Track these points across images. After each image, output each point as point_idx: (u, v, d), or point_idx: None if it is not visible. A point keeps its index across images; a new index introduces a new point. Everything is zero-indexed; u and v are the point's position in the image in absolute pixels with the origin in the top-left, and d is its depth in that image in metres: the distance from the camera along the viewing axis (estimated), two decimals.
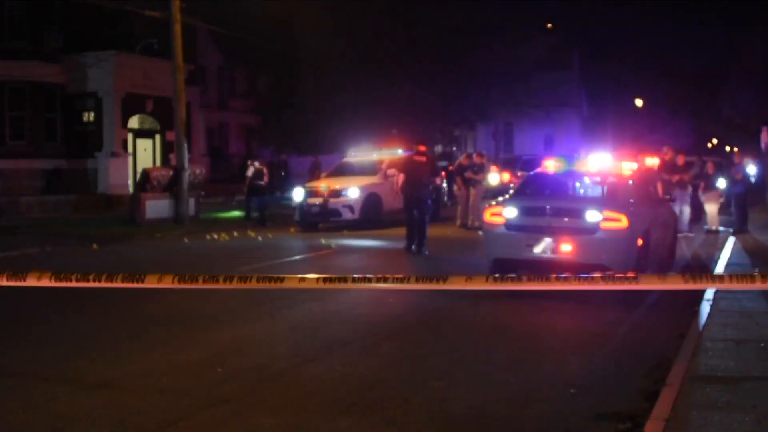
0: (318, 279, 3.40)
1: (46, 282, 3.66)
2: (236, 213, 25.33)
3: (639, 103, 62.51)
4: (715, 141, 71.93)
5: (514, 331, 8.51)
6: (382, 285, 3.29)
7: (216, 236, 19.27)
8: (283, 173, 29.67)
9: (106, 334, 8.41)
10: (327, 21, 31.24)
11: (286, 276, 3.48)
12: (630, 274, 3.10)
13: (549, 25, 51.12)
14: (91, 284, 3.60)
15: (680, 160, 18.94)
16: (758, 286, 2.90)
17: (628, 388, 6.31)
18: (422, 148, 16.16)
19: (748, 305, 9.03)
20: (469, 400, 6.03)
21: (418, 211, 15.41)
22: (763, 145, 24.89)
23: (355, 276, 3.37)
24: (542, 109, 53.72)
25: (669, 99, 60.84)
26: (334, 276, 3.41)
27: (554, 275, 3.18)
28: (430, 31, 33.84)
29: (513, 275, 3.23)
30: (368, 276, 3.33)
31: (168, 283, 3.53)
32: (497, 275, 3.17)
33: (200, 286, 3.52)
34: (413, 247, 15.39)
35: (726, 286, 3.04)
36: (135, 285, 3.62)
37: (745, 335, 7.52)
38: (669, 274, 11.86)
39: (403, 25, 32.62)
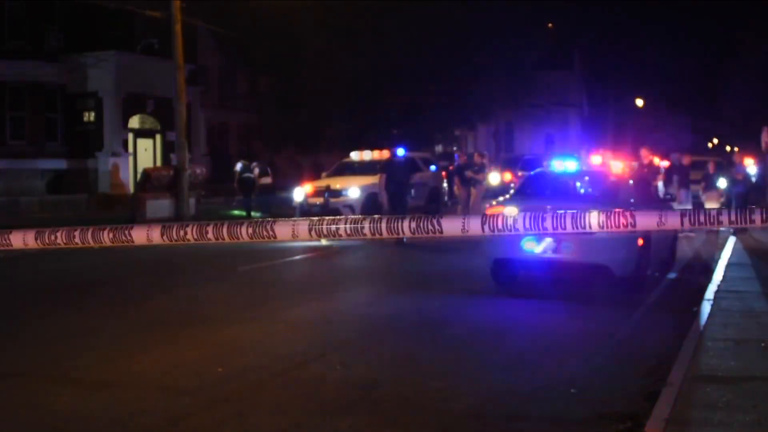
0: (310, 228, 3.36)
1: (31, 242, 3.57)
2: (237, 213, 25.33)
3: (639, 102, 62.53)
4: (715, 141, 71.94)
5: (514, 331, 8.51)
6: (377, 236, 3.29)
7: None
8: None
9: (106, 334, 8.41)
10: (327, 21, 31.23)
11: (277, 222, 3.45)
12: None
13: (549, 25, 51.11)
14: (76, 244, 3.52)
15: (686, 160, 19.05)
16: (757, 225, 2.95)
17: (628, 388, 6.30)
18: (400, 151, 17.85)
19: (748, 305, 9.03)
20: (469, 400, 6.03)
21: (399, 207, 16.89)
22: (763, 145, 24.84)
23: (348, 218, 3.36)
24: (542, 108, 53.76)
25: (669, 99, 60.86)
26: (324, 221, 3.39)
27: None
28: (430, 31, 33.83)
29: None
30: (361, 219, 3.33)
31: (156, 238, 3.45)
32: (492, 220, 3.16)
33: (190, 242, 3.46)
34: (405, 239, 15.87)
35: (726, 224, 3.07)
36: (123, 244, 3.52)
37: (745, 335, 7.51)
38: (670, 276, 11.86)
39: (403, 25, 32.61)
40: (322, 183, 21.43)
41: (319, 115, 32.98)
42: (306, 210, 20.64)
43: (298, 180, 24.89)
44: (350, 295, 10.44)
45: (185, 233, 3.43)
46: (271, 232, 3.38)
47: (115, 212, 24.80)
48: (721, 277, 10.94)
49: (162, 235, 3.46)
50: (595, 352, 7.52)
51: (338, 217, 3.46)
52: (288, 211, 23.14)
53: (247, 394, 6.22)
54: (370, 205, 20.62)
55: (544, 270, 10.82)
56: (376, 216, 3.31)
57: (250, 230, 3.39)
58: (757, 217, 2.93)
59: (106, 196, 28.16)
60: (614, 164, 12.88)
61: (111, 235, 3.50)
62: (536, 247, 10.32)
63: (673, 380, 6.06)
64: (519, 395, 6.16)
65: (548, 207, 10.70)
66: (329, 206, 20.38)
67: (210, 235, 3.42)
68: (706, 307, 8.84)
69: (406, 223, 3.23)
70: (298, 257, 15.95)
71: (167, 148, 30.67)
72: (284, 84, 34.78)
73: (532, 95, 50.05)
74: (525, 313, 9.37)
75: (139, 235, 3.48)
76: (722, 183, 19.12)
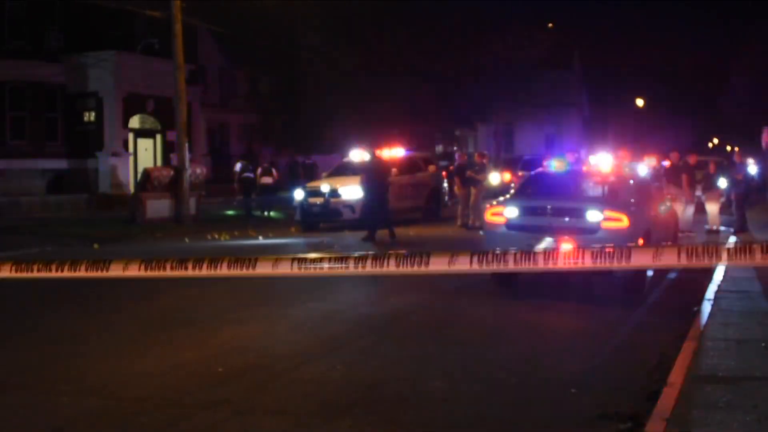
0: (292, 263, 3.37)
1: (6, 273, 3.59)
2: (237, 213, 25.31)
3: (640, 102, 62.52)
4: (716, 140, 71.93)
5: (514, 331, 8.50)
6: (360, 270, 3.25)
7: (217, 236, 19.27)
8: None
9: (106, 334, 8.40)
10: (327, 21, 31.23)
11: (259, 259, 3.45)
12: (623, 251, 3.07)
13: (549, 25, 51.08)
14: (54, 274, 3.52)
15: (692, 159, 19.09)
16: (758, 261, 2.89)
17: (629, 387, 6.30)
18: (378, 152, 18.61)
19: (749, 305, 9.02)
20: (469, 400, 6.03)
21: (378, 206, 17.48)
22: (763, 145, 24.83)
23: (330, 257, 3.34)
24: (543, 108, 53.70)
25: (670, 98, 60.85)
26: (309, 257, 3.38)
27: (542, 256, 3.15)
28: (430, 31, 33.83)
29: (498, 252, 3.15)
30: (345, 257, 3.30)
31: (134, 272, 3.46)
32: (480, 256, 3.12)
33: (167, 274, 3.47)
34: (374, 235, 17.26)
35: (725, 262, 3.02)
36: (99, 274, 3.53)
37: (746, 335, 7.51)
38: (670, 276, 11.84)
39: (403, 25, 32.61)
40: (323, 183, 21.42)
41: (320, 114, 32.96)
42: (306, 210, 20.63)
43: (298, 180, 24.87)
44: (350, 295, 10.43)
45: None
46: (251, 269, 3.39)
47: (115, 212, 24.80)
48: (721, 277, 10.93)
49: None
50: (595, 352, 7.52)
51: (322, 255, 3.44)
52: (289, 211, 23.15)
53: (247, 394, 6.22)
54: None
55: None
56: (359, 254, 3.26)
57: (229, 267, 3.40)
58: (757, 254, 2.88)
59: (107, 196, 28.17)
60: (614, 164, 12.82)
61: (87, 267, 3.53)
62: (537, 247, 10.30)
63: (673, 380, 6.05)
64: (519, 395, 6.16)
65: (548, 207, 10.73)
66: (329, 206, 20.38)
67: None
68: (706, 307, 8.84)
69: (392, 261, 3.18)
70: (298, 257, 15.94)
71: (167, 148, 30.68)
72: (284, 84, 34.77)
73: (533, 95, 50.01)
74: (525, 313, 9.37)
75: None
76: (722, 183, 19.10)
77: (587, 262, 3.10)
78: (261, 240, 18.54)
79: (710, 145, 69.92)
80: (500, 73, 40.49)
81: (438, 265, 3.11)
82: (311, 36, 31.66)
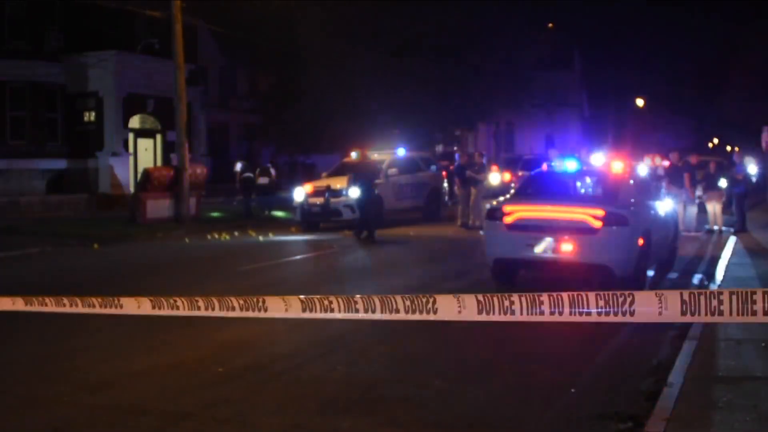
0: (304, 307, 3.38)
1: (20, 306, 3.60)
2: (237, 213, 25.31)
3: (640, 102, 62.53)
4: (716, 140, 71.93)
5: (515, 331, 8.49)
6: (370, 315, 3.26)
7: (217, 236, 19.27)
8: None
9: (106, 334, 8.40)
10: (328, 20, 31.21)
11: (269, 300, 3.45)
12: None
13: (549, 25, 51.10)
14: (66, 309, 3.53)
15: (693, 159, 19.14)
16: (760, 319, 2.84)
17: (629, 388, 6.30)
18: (358, 151, 19.05)
19: None
20: (469, 400, 6.03)
21: (366, 205, 17.83)
22: (764, 145, 24.84)
23: (340, 299, 3.35)
24: (543, 108, 53.75)
25: (670, 98, 60.86)
26: (318, 300, 3.39)
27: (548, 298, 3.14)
28: (431, 31, 33.81)
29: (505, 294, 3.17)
30: (355, 302, 3.32)
31: (147, 310, 3.46)
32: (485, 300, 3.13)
33: (180, 313, 3.47)
34: (363, 234, 17.67)
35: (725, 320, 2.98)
36: (111, 311, 3.54)
37: (745, 335, 7.51)
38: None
39: (404, 25, 32.59)
40: (323, 183, 21.42)
41: (320, 114, 32.94)
42: (306, 210, 20.63)
43: (299, 180, 24.90)
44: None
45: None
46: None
47: (115, 212, 24.82)
48: (721, 277, 10.93)
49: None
50: (596, 353, 7.52)
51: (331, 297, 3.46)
52: (289, 210, 23.15)
53: (247, 394, 6.22)
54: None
55: (544, 270, 10.81)
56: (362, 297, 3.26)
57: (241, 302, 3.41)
58: (759, 305, 2.83)
59: (107, 196, 28.16)
60: (615, 164, 12.82)
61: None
62: (537, 247, 10.31)
63: (673, 380, 6.06)
64: (519, 395, 6.16)
65: (549, 206, 10.72)
66: (329, 206, 20.38)
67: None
68: None
69: (399, 300, 3.19)
70: (298, 257, 15.95)
71: (167, 148, 30.66)
72: (285, 84, 34.76)
73: (533, 95, 50.02)
74: None
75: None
76: (723, 183, 19.13)
77: (592, 311, 3.08)
78: (261, 239, 18.54)
79: (710, 145, 69.92)
80: (501, 73, 40.46)
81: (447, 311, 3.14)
82: (312, 35, 31.64)
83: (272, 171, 25.75)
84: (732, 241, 16.08)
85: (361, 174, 18.27)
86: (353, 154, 23.63)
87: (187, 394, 6.19)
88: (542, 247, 10.28)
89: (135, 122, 30.66)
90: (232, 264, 14.07)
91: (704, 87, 59.97)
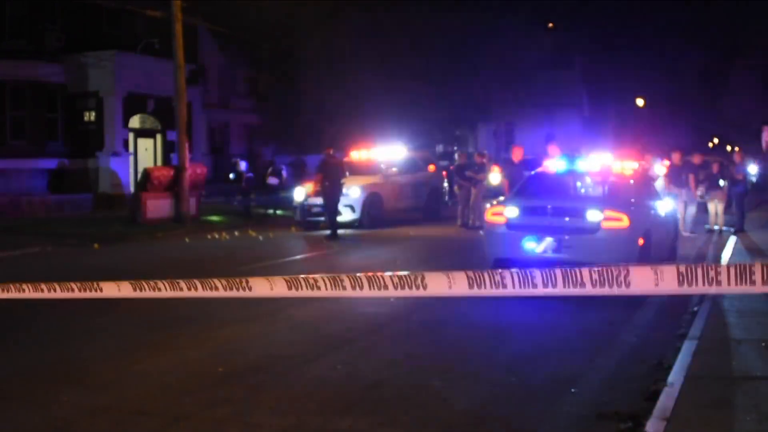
0: (290, 285, 3.34)
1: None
2: (237, 212, 25.31)
3: (640, 102, 62.54)
4: (716, 140, 71.95)
5: (514, 331, 8.50)
6: (357, 293, 3.24)
7: (217, 236, 19.27)
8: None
9: (106, 335, 8.40)
10: (328, 20, 31.22)
11: (253, 280, 3.42)
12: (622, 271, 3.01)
13: (550, 25, 51.12)
14: (46, 295, 3.51)
15: (696, 159, 19.14)
16: (759, 288, 2.80)
17: (629, 387, 6.30)
18: (330, 150, 18.70)
19: (748, 305, 9.01)
20: (469, 400, 6.03)
21: (335, 203, 18.15)
22: (764, 145, 24.87)
23: (326, 278, 3.32)
24: (543, 108, 53.73)
25: (670, 98, 60.87)
26: (303, 279, 3.35)
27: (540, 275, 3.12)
28: (431, 31, 33.82)
29: (497, 272, 3.12)
30: (341, 278, 3.30)
31: (127, 292, 3.44)
32: (476, 275, 3.09)
33: (162, 295, 3.46)
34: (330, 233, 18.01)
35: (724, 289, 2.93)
36: (91, 294, 3.52)
37: (745, 334, 7.51)
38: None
39: (404, 25, 32.60)
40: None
41: (320, 114, 32.95)
42: (306, 210, 20.62)
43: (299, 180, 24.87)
44: None
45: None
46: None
47: (116, 212, 24.81)
48: None
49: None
50: (596, 352, 7.52)
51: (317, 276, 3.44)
52: (289, 211, 23.15)
53: (247, 394, 6.22)
54: (371, 204, 20.63)
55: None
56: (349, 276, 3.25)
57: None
58: (757, 277, 2.80)
59: (107, 196, 28.15)
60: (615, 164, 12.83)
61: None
62: (537, 247, 10.32)
63: (673, 380, 6.06)
64: (519, 395, 6.16)
65: (548, 207, 10.73)
66: None
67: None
68: (706, 307, 8.83)
69: (387, 278, 3.18)
70: (298, 257, 15.95)
71: (168, 147, 30.66)
72: (285, 83, 34.77)
73: (533, 95, 50.05)
74: (525, 313, 9.36)
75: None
76: (722, 183, 19.13)
77: (587, 286, 3.05)
78: (261, 239, 18.53)
79: (710, 144, 69.92)
80: (501, 73, 40.48)
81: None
82: (312, 35, 31.64)
83: (284, 172, 25.78)
84: (732, 240, 16.08)
85: (329, 173, 18.29)
86: (353, 154, 23.66)
87: (187, 394, 6.19)
88: (542, 247, 10.29)
89: (135, 122, 30.65)
90: (232, 264, 14.07)
91: (704, 87, 59.99)
